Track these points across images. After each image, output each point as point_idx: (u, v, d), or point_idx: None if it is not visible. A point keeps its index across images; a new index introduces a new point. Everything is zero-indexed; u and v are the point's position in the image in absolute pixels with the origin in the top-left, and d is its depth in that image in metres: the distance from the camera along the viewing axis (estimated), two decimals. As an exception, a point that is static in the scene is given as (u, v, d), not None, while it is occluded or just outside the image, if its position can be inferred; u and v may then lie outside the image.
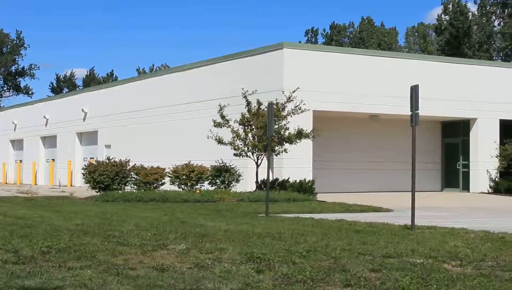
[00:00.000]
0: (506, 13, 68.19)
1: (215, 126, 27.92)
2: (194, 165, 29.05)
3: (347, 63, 33.26)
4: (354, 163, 36.32)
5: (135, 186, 29.15)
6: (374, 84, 33.32)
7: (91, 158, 44.93)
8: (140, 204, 23.12)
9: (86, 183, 30.00)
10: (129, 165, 29.76)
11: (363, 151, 36.68)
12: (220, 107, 27.94)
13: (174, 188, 28.65)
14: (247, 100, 27.68)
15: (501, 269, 9.92)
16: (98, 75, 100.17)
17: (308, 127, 28.91)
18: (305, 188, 27.80)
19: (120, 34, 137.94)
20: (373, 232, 14.17)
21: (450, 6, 69.88)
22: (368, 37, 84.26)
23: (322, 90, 31.75)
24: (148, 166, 29.80)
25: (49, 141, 54.64)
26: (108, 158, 30.39)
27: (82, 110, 48.71)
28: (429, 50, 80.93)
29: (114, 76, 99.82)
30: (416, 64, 35.55)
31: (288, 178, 28.72)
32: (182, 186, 28.66)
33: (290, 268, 9.69)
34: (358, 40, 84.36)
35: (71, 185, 47.36)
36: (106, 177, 28.75)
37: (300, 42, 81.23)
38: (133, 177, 29.47)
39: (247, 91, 27.70)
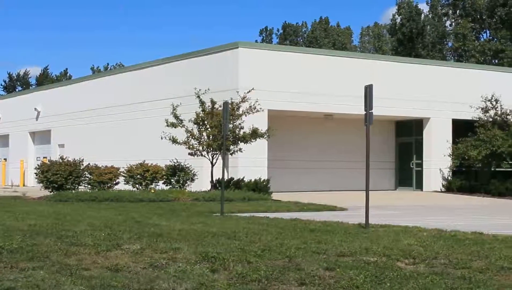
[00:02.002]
0: (457, 13, 69.01)
1: (168, 126, 27.82)
2: (149, 164, 28.91)
3: (302, 62, 33.38)
4: (309, 162, 36.46)
5: (89, 186, 28.88)
6: (329, 83, 33.50)
7: (44, 157, 44.45)
8: (94, 204, 22.91)
9: (39, 183, 29.66)
10: (83, 164, 29.48)
11: (318, 150, 36.83)
12: (173, 107, 27.84)
13: (129, 187, 28.48)
14: (200, 100, 27.64)
15: (453, 266, 10.04)
16: (52, 74, 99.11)
17: (263, 126, 28.96)
18: (260, 187, 27.84)
19: (75, 33, 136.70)
20: (327, 231, 14.24)
21: (405, 6, 70.50)
22: (322, 37, 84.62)
23: (277, 90, 31.82)
24: (102, 166, 29.56)
25: (1, 140, 53.89)
26: (62, 158, 30.04)
27: (35, 109, 48.15)
28: (383, 50, 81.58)
29: (68, 75, 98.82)
30: (370, 64, 35.81)
31: (243, 178, 28.73)
32: (137, 185, 28.51)
33: (245, 267, 9.69)
34: (312, 39, 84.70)
35: (24, 185, 46.76)
36: (59, 176, 28.44)
37: (256, 41, 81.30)
38: (87, 177, 29.19)
39: (200, 90, 27.67)
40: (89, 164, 29.75)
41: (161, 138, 28.12)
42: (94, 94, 42.01)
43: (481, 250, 11.59)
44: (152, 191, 26.78)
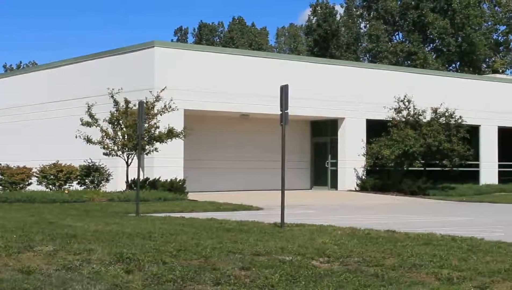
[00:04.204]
0: (371, 15, 70.17)
1: (82, 124, 27.44)
2: (63, 164, 28.45)
3: (219, 62, 33.37)
4: (225, 162, 36.47)
5: (0, 187, 28.23)
6: (245, 83, 33.59)
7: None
8: (5, 205, 22.38)
9: None
10: (-7, 164, 28.80)
11: (234, 150, 36.88)
12: (88, 106, 27.49)
13: (42, 188, 27.93)
14: (114, 99, 27.38)
15: (367, 264, 10.19)
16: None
17: (179, 126, 28.84)
18: (176, 187, 27.73)
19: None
20: (243, 231, 14.27)
21: (319, 8, 71.32)
22: (239, 37, 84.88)
23: (193, 89, 31.74)
24: (14, 166, 28.91)
25: None
26: (-28, 158, 29.28)
27: None
28: (299, 50, 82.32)
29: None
30: (286, 64, 36.05)
31: (159, 177, 28.56)
32: (50, 186, 27.99)
33: (160, 267, 9.63)
34: (229, 39, 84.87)
35: None
36: (-31, 177, 27.71)
37: (172, 41, 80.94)
38: (-2, 178, 28.53)
39: (113, 89, 27.41)
40: (0, 164, 29.07)
41: (76, 137, 27.71)
42: (6, 93, 41.09)
43: (394, 248, 11.80)
44: (66, 191, 26.35)
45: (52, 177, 28.00)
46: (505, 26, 72.61)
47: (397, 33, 71.06)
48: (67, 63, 36.97)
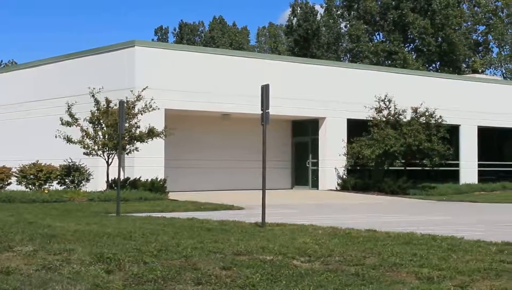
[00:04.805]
0: (352, 15, 70.36)
1: (62, 124, 27.33)
2: (43, 164, 28.31)
3: (200, 62, 33.33)
4: (207, 161, 36.42)
5: (-21, 187, 28.07)
6: (226, 83, 33.57)
7: None
8: (-15, 205, 22.26)
9: None
10: (-27, 164, 28.62)
11: (216, 150, 36.83)
12: (68, 106, 27.39)
13: (22, 188, 27.78)
14: (95, 99, 27.29)
15: (347, 263, 10.21)
16: None
17: (159, 125, 28.77)
18: (157, 187, 27.67)
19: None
20: (224, 230, 14.27)
21: (299, 8, 71.42)
22: (220, 36, 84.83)
23: (174, 89, 31.69)
24: (-7, 166, 28.78)
25: None
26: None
27: None
28: (279, 50, 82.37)
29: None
30: (267, 64, 36.07)
31: (140, 177, 28.49)
32: (30, 186, 27.84)
33: (141, 267, 9.60)
34: (210, 39, 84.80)
35: None
36: None
37: (152, 40, 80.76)
38: (-23, 177, 28.36)
39: (94, 89, 27.33)
40: (-21, 164, 28.92)
41: (56, 136, 27.59)
42: (-15, 92, 40.82)
43: (374, 247, 11.83)
44: (46, 191, 26.23)
45: (32, 177, 27.86)
46: (484, 26, 73.10)
47: (377, 33, 71.33)
48: (47, 62, 36.78)
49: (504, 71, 74.12)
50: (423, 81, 41.02)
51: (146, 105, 27.27)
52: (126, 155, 28.54)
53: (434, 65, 71.33)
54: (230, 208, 23.06)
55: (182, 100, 31.88)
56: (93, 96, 27.31)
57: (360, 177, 36.20)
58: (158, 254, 10.73)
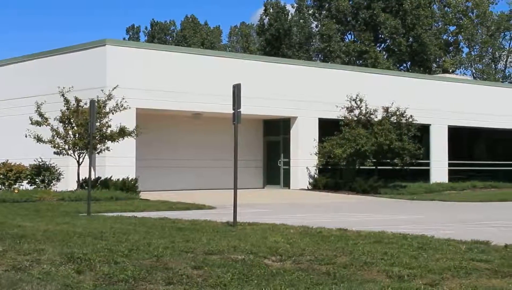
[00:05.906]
0: (323, 15, 70.55)
1: (32, 124, 27.14)
2: (12, 164, 28.10)
3: (171, 61, 33.25)
4: (178, 161, 36.34)
5: None
6: (198, 82, 33.50)
7: None
8: (-46, 205, 22.02)
9: None
10: None
11: (187, 149, 36.75)
12: (37, 105, 27.21)
13: (-9, 188, 27.55)
14: (65, 98, 27.14)
15: (319, 262, 10.24)
16: None
17: (131, 125, 28.66)
18: (128, 187, 27.55)
19: None
20: (195, 230, 14.25)
21: (271, 7, 71.48)
22: (191, 36, 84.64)
23: (146, 88, 31.58)
24: (-38, 166, 28.47)
25: None
26: None
27: None
28: (251, 49, 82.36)
29: None
30: (238, 63, 36.06)
31: (111, 177, 28.35)
32: (0, 185, 27.62)
33: (112, 267, 9.56)
34: (181, 38, 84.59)
35: None
36: None
37: (124, 39, 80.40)
38: None
39: (64, 88, 27.17)
40: None
41: (26, 136, 27.40)
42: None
43: (346, 246, 11.88)
44: (16, 191, 26.02)
45: (1, 176, 27.64)
46: (454, 27, 73.67)
47: (349, 32, 71.59)
48: (17, 61, 36.49)
49: (474, 71, 74.81)
50: (394, 81, 41.25)
51: (117, 104, 27.17)
52: (97, 155, 28.41)
53: (405, 64, 71.73)
54: (202, 207, 23.03)
55: (153, 99, 31.78)
56: (62, 95, 27.17)
57: (332, 177, 36.32)
58: (129, 254, 10.68)
